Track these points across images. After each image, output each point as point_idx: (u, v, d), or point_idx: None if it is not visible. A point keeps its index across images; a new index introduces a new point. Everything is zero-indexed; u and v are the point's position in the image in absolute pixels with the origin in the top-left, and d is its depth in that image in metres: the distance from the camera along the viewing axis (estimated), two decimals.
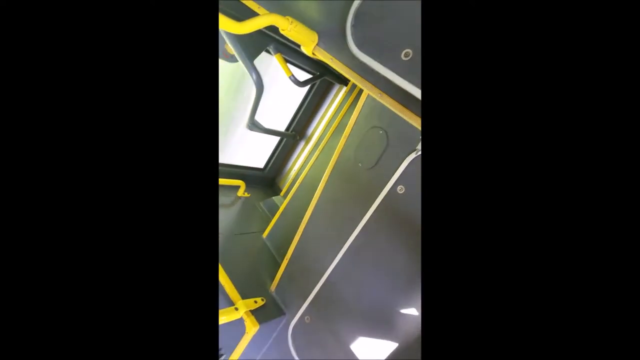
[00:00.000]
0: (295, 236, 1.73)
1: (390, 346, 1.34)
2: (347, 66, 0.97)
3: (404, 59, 0.80)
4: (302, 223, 1.70)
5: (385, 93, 0.91)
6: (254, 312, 1.61)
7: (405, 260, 1.30)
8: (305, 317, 1.63)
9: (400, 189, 1.29)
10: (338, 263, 1.51)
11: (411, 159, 1.26)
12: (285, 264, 1.75)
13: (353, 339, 1.45)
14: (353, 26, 0.89)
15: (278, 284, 1.77)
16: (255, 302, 1.66)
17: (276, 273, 1.79)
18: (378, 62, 0.84)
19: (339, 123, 2.18)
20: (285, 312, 1.72)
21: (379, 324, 1.37)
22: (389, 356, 1.34)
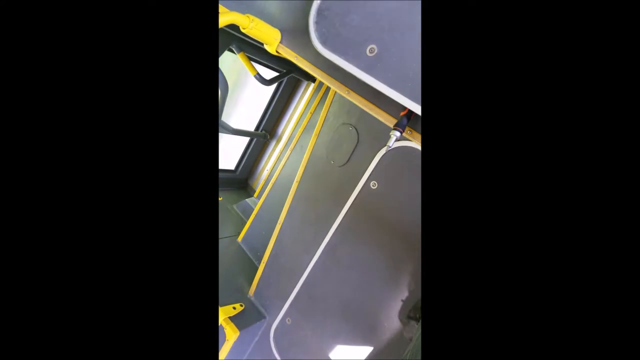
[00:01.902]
0: (272, 238, 1.70)
1: (372, 342, 1.35)
2: (313, 64, 0.95)
3: (369, 55, 0.79)
4: (277, 224, 1.67)
5: (353, 90, 0.90)
6: (233, 319, 1.57)
7: (382, 255, 1.31)
8: (287, 319, 1.61)
9: (374, 185, 1.30)
10: (316, 262, 1.50)
11: (382, 154, 1.27)
12: (263, 267, 1.72)
13: (336, 337, 1.45)
14: (316, 22, 0.87)
15: (256, 287, 1.74)
16: (234, 308, 1.62)
17: (254, 277, 1.75)
18: (343, 59, 0.82)
19: (309, 120, 2.16)
20: (265, 316, 1.69)
21: (360, 320, 1.38)
22: (372, 352, 1.35)
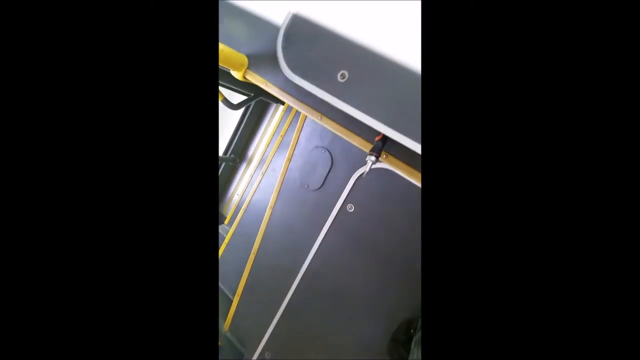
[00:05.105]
0: (246, 267, 1.62)
1: None
2: (283, 89, 0.93)
3: (340, 80, 0.78)
4: (252, 252, 1.60)
5: (326, 115, 0.88)
6: None
7: (363, 280, 1.27)
8: (266, 354, 1.52)
9: (350, 208, 1.28)
10: (295, 290, 1.44)
11: (357, 176, 1.25)
12: (238, 299, 1.63)
13: None
14: (284, 48, 0.86)
15: (232, 322, 1.64)
16: None
17: (228, 311, 1.65)
18: (314, 85, 0.81)
19: (280, 143, 2.13)
20: (243, 352, 1.58)
21: (343, 348, 1.32)
22: None
